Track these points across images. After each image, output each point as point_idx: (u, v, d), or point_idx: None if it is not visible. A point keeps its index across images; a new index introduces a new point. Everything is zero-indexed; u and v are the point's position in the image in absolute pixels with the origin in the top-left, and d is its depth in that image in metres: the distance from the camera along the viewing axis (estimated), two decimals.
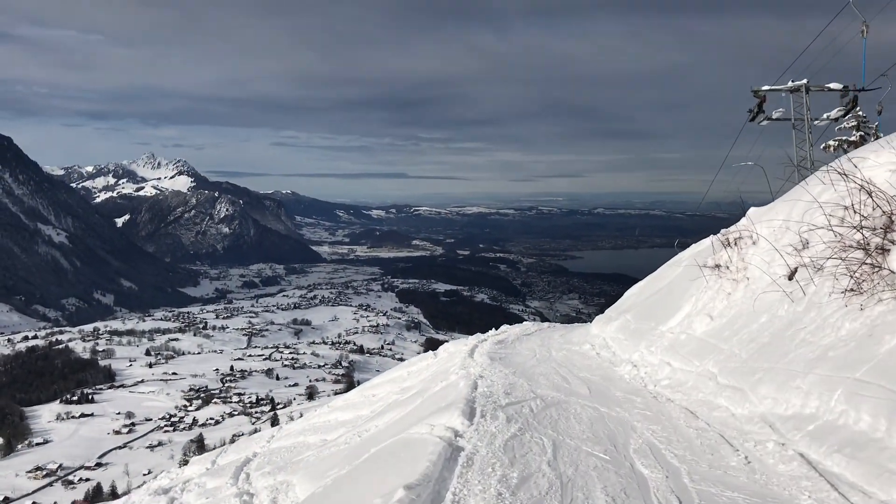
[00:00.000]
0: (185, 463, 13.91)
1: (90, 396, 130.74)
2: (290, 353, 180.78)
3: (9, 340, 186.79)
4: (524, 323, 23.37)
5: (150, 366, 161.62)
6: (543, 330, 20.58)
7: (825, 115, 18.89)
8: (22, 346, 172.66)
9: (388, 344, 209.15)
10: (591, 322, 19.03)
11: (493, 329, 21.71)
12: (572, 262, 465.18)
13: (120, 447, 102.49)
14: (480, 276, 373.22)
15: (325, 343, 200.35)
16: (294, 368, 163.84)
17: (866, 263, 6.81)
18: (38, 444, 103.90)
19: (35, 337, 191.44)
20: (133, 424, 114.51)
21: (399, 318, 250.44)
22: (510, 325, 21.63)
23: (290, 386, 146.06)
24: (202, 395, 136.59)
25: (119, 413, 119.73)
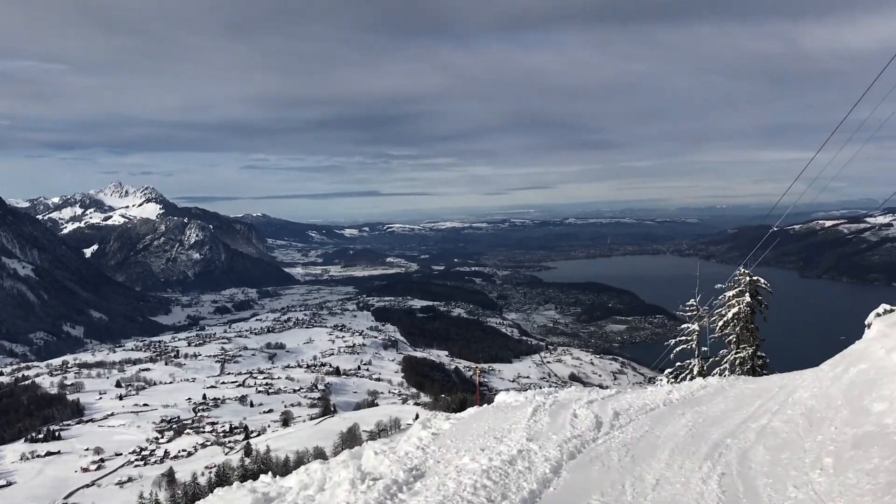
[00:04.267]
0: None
1: (57, 433, 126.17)
2: (265, 378, 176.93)
3: None
4: (577, 391, 16.88)
5: (121, 398, 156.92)
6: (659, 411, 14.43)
7: None
8: None
9: (364, 364, 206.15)
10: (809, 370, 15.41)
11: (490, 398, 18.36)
12: (547, 273, 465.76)
13: (88, 485, 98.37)
14: (456, 290, 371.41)
15: (300, 366, 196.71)
16: (269, 394, 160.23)
17: None
18: (0, 487, 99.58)
19: (0, 374, 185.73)
20: (102, 460, 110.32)
21: (376, 337, 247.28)
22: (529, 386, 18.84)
23: (264, 412, 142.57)
24: (174, 426, 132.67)
25: (87, 449, 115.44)
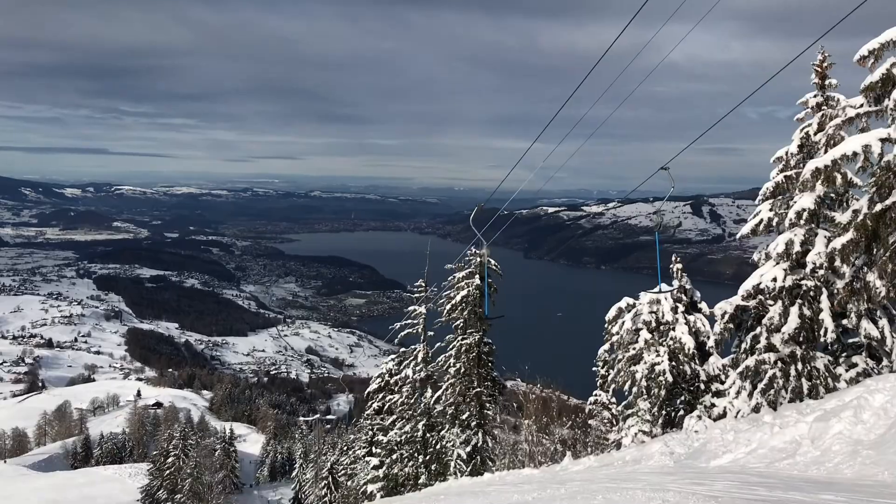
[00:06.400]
0: None
1: None
2: None
3: None
4: None
5: None
6: None
7: None
8: None
9: (83, 336, 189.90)
10: None
11: None
12: (289, 245, 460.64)
13: None
14: (191, 260, 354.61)
15: (4, 338, 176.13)
16: None
17: None
18: None
19: None
20: None
21: (97, 308, 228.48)
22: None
23: None
24: None
25: None
